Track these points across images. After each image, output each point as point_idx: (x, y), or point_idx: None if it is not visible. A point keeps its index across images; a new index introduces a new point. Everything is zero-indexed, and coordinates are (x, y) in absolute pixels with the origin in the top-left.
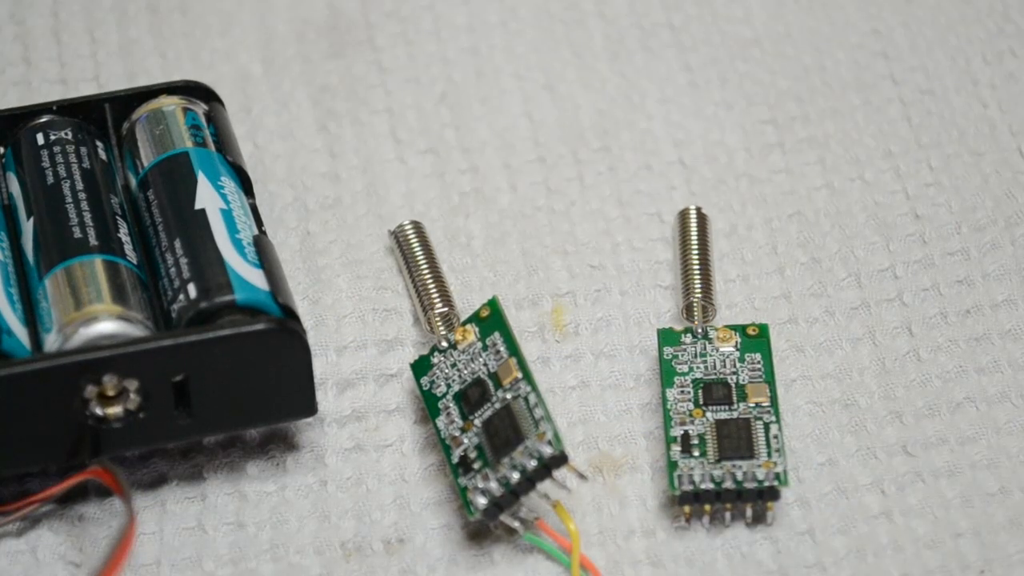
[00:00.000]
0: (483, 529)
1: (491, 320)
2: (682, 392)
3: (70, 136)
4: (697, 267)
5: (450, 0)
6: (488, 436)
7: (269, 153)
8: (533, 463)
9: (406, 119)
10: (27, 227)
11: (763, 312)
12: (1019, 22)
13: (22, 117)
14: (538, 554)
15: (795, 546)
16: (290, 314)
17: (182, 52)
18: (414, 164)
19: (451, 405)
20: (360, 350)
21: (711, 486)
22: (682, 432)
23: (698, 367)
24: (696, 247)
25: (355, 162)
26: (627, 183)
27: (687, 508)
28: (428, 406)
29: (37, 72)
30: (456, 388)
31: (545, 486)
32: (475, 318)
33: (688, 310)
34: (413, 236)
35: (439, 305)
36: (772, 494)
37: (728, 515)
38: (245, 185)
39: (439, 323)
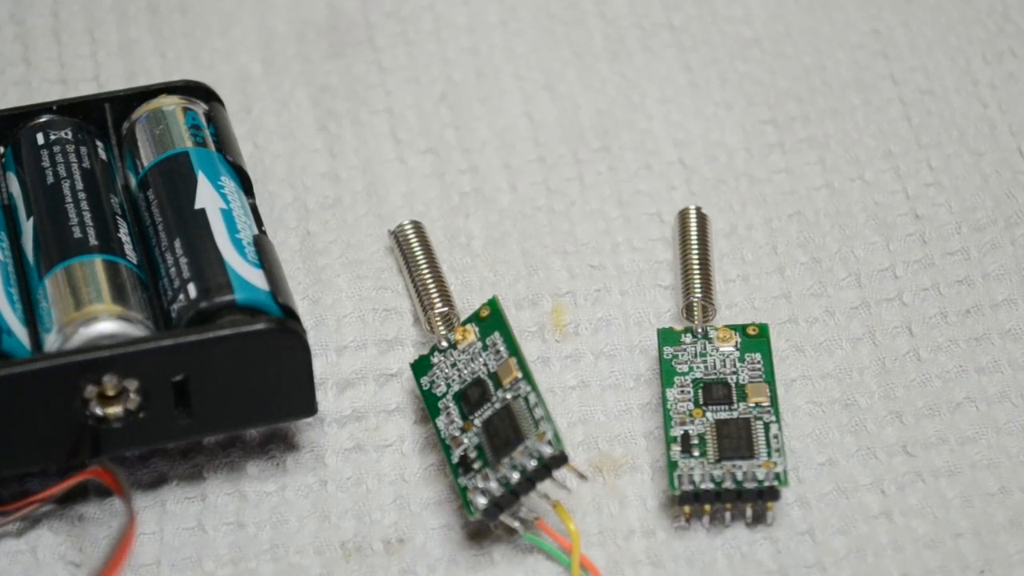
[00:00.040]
0: (483, 529)
1: (491, 320)
2: (682, 392)
3: (70, 136)
4: (697, 267)
5: (450, 0)
6: (488, 436)
7: (269, 153)
8: (533, 463)
9: (406, 119)
10: (27, 227)
11: (763, 312)
12: (1019, 22)
13: (22, 117)
14: (538, 554)
15: (795, 546)
16: (290, 314)
17: (182, 52)
18: (414, 164)
19: (451, 405)
20: (360, 350)
21: (711, 486)
22: (682, 432)
23: (698, 367)
24: (696, 247)
25: (355, 162)
26: (627, 183)
27: (687, 508)
28: (428, 406)
29: (37, 72)
30: (456, 388)
31: (545, 486)
32: (475, 318)
33: (688, 310)
34: (413, 236)
35: (439, 305)
36: (772, 494)
37: (728, 515)
38: (245, 185)
39: (439, 323)
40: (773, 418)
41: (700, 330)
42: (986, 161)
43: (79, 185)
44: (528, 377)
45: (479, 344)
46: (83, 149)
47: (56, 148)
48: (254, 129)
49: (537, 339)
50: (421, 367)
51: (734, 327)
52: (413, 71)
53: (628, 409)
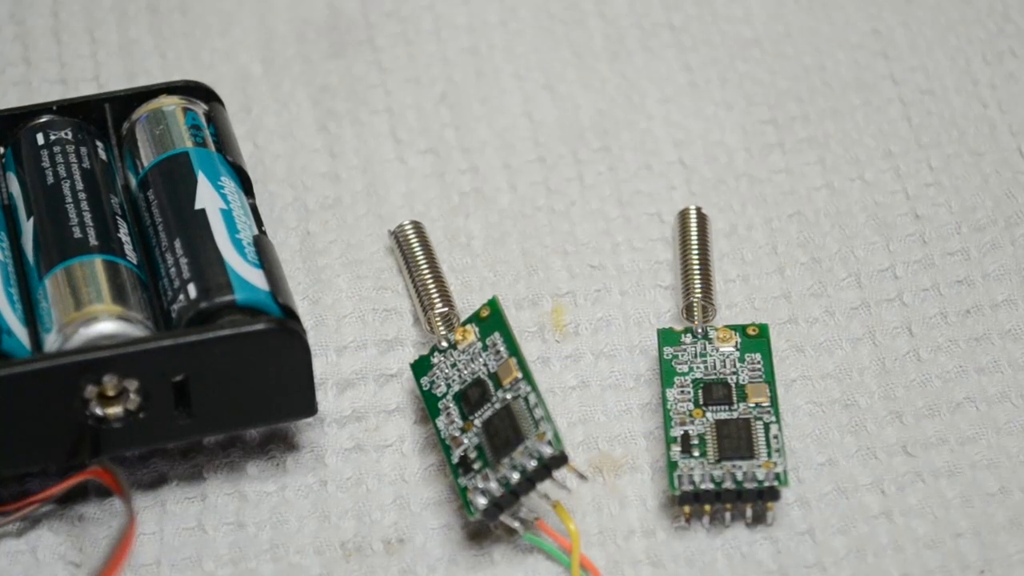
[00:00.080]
0: (483, 529)
1: (491, 320)
2: (682, 392)
3: (70, 136)
4: (697, 267)
5: (450, 0)
6: (488, 436)
7: (269, 153)
8: (533, 463)
9: (406, 119)
10: (27, 227)
11: (763, 312)
12: (1019, 22)
13: (22, 117)
14: (538, 554)
15: (795, 546)
16: (290, 314)
17: (182, 52)
18: (414, 164)
19: (451, 405)
20: (360, 350)
21: (711, 486)
22: (682, 432)
23: (698, 367)
24: (696, 247)
25: (355, 162)
26: (627, 183)
27: (687, 508)
28: (428, 406)
29: (37, 72)
30: (456, 388)
31: (545, 486)
32: (475, 318)
33: (688, 310)
34: (413, 236)
35: (439, 305)
36: (772, 494)
37: (728, 515)
38: (245, 185)
39: (439, 323)
40: (773, 418)
41: (700, 330)
42: (986, 161)
43: (79, 185)
44: (528, 377)
45: (479, 344)
46: (83, 149)
47: (56, 148)
48: (254, 129)
49: (537, 339)
50: (421, 367)
51: (734, 327)
52: (413, 71)
53: (628, 409)
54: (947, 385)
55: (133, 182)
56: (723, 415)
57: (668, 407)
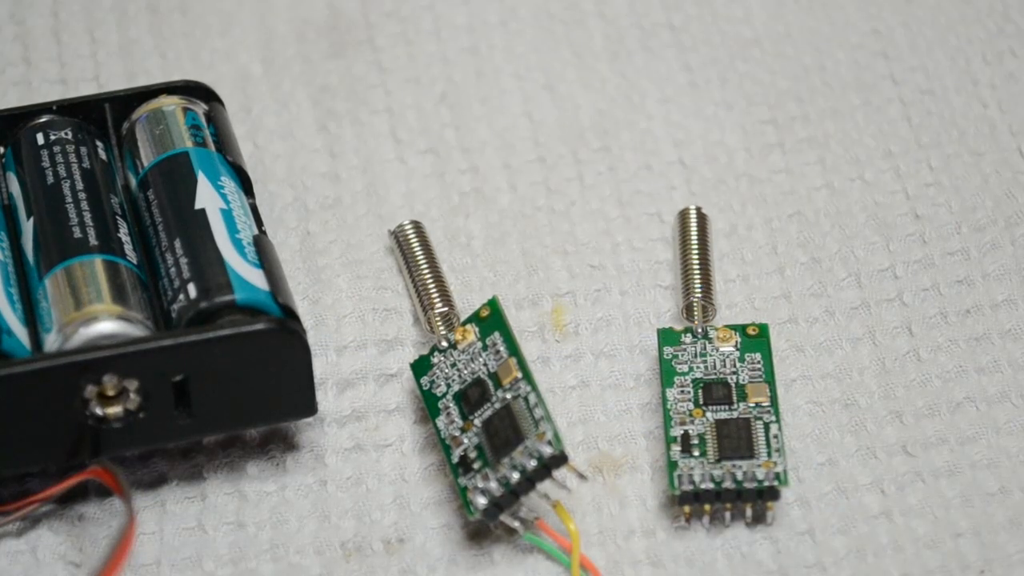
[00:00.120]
0: (483, 529)
1: (491, 320)
2: (682, 392)
3: (70, 136)
4: (697, 267)
5: (450, 0)
6: (488, 436)
7: (269, 153)
8: (533, 463)
9: (406, 119)
10: (27, 227)
11: (763, 312)
12: (1019, 22)
13: (22, 117)
14: (538, 554)
15: (795, 546)
16: (290, 314)
17: (182, 52)
18: (414, 164)
19: (451, 405)
20: (360, 350)
21: (711, 486)
22: (682, 432)
23: (698, 367)
24: (696, 247)
25: (355, 162)
26: (627, 183)
27: (687, 508)
28: (428, 406)
29: (37, 72)
30: (456, 388)
31: (545, 486)
32: (475, 318)
33: (688, 310)
34: (413, 236)
35: (439, 305)
36: (772, 494)
37: (728, 515)
38: (245, 185)
39: (439, 323)
40: (773, 418)
41: (700, 330)
42: (986, 161)
43: (79, 185)
44: (528, 377)
45: (479, 344)
46: (83, 149)
47: (56, 148)
48: (254, 129)
49: (537, 339)
50: (421, 367)
51: (734, 327)
52: (413, 71)
53: (628, 409)
54: (947, 385)
55: (133, 182)
56: (723, 415)
57: (668, 407)
